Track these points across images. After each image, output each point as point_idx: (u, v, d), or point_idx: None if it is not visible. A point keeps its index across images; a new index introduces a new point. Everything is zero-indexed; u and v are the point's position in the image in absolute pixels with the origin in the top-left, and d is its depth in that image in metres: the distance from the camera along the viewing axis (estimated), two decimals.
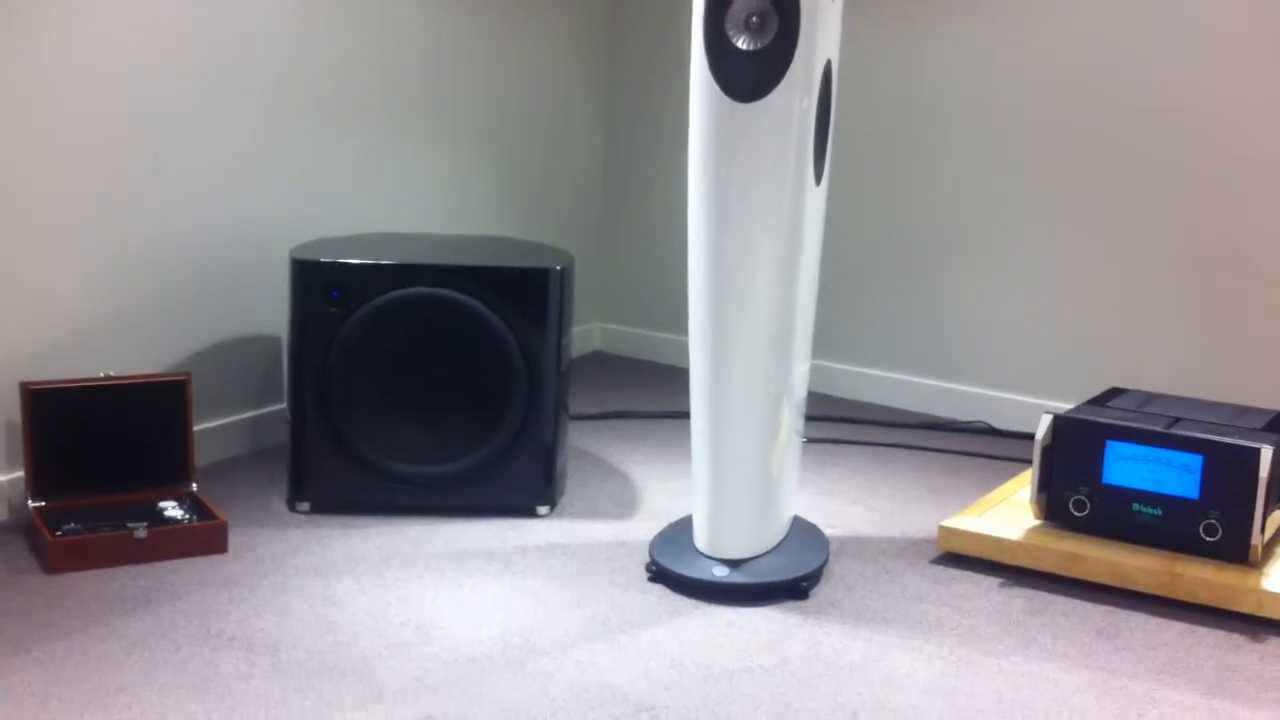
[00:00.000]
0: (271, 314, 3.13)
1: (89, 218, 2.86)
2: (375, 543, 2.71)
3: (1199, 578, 2.49)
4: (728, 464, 2.51)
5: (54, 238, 2.81)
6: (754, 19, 2.31)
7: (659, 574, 2.57)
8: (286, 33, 3.20)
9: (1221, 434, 2.58)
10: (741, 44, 2.32)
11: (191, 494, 2.79)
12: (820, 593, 2.55)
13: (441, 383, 2.81)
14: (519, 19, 3.86)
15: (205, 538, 2.62)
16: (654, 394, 3.84)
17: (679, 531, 2.67)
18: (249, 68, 3.12)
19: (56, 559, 2.50)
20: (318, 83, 3.29)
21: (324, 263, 2.80)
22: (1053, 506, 2.68)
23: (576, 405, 3.35)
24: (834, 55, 2.45)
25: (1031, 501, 2.70)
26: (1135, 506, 2.61)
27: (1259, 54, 3.24)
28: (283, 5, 3.18)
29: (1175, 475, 2.56)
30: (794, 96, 2.33)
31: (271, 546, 2.67)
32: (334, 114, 3.34)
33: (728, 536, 2.55)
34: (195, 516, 2.70)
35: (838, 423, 3.63)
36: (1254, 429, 2.66)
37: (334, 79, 3.33)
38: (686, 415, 2.57)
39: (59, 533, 2.56)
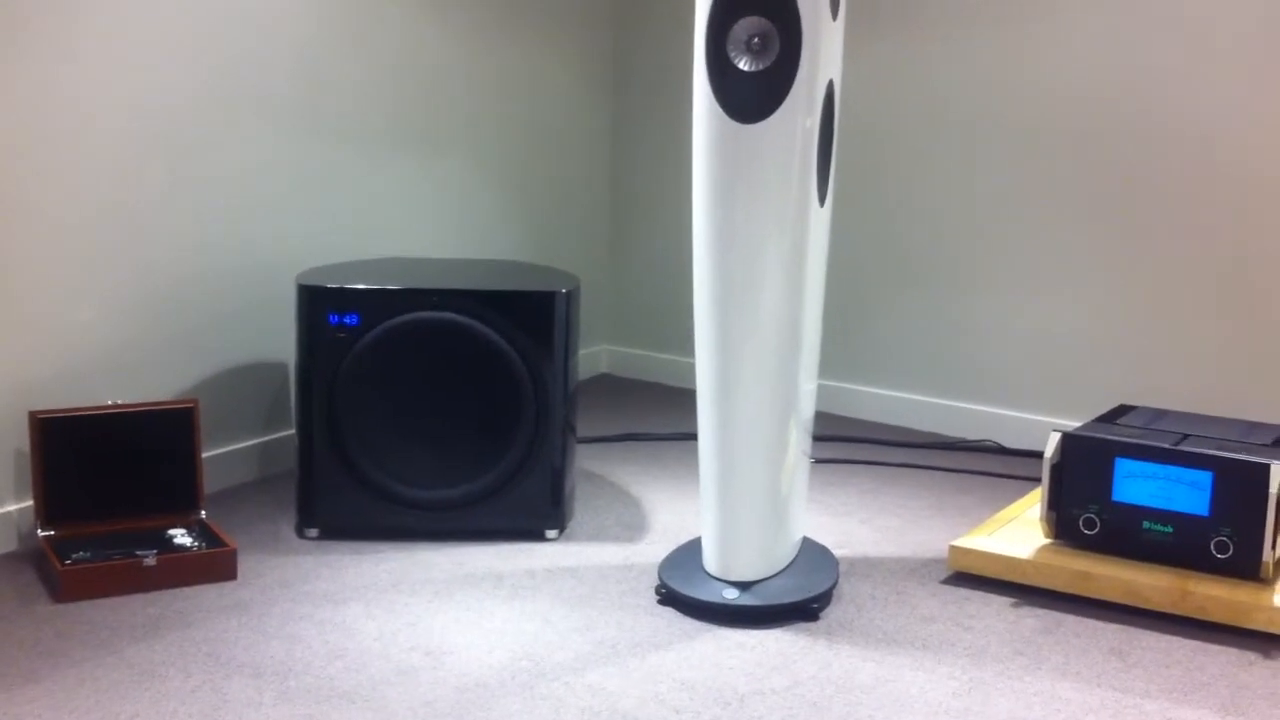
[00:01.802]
0: (279, 339, 3.13)
1: (96, 245, 2.87)
2: (384, 568, 2.71)
3: (1210, 595, 2.48)
4: (736, 485, 2.51)
5: (61, 265, 2.81)
6: (755, 40, 2.32)
7: (668, 597, 2.57)
8: (295, 58, 3.21)
9: (1231, 450, 2.57)
10: (743, 65, 2.33)
11: (200, 521, 2.79)
12: (831, 614, 2.54)
13: (449, 407, 2.81)
14: (526, 44, 3.87)
15: (214, 565, 2.62)
16: (662, 416, 3.84)
17: (688, 554, 2.66)
18: (257, 93, 3.13)
19: (66, 587, 2.51)
20: (325, 108, 3.30)
21: (331, 288, 2.80)
22: (1063, 525, 2.67)
23: (584, 428, 3.35)
24: (836, 75, 2.46)
25: (1041, 520, 2.69)
26: (1145, 524, 2.60)
27: (1274, 61, 3.23)
28: (292, 30, 3.19)
29: (1185, 492, 2.55)
30: (796, 117, 2.33)
31: (280, 573, 2.67)
32: (342, 138, 3.35)
33: (737, 558, 2.54)
34: (204, 544, 2.70)
35: (846, 443, 3.62)
36: (1264, 445, 2.65)
37: (342, 105, 3.34)
38: (695, 437, 2.56)
39: (68, 561, 2.56)
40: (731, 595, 2.50)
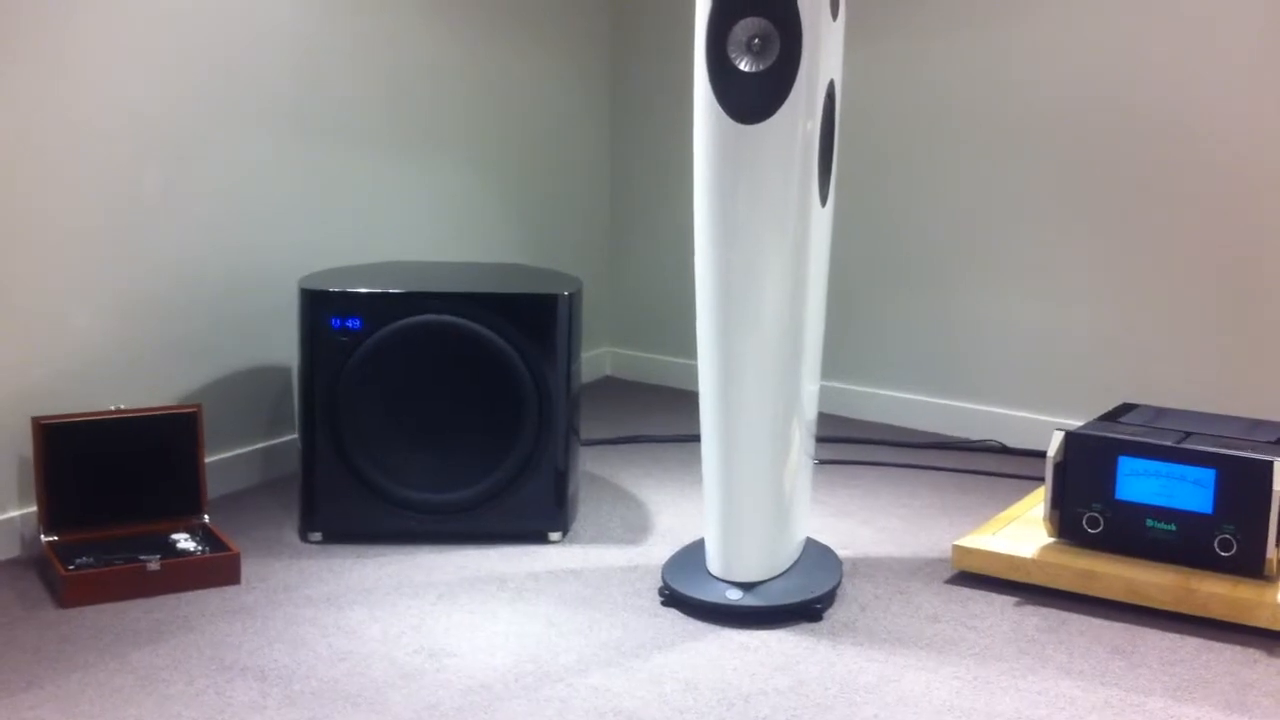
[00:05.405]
0: (282, 343, 3.14)
1: (98, 250, 2.87)
2: (387, 571, 2.71)
3: (1214, 593, 2.48)
4: (739, 487, 2.51)
5: (63, 271, 2.82)
6: (756, 41, 2.32)
7: (672, 598, 2.57)
8: (293, 62, 3.21)
9: (1234, 448, 2.57)
10: (744, 66, 2.33)
11: (203, 525, 2.79)
12: (834, 614, 2.54)
13: (452, 410, 2.82)
14: (524, 46, 3.87)
15: (218, 569, 2.62)
16: (665, 418, 3.84)
17: (692, 555, 2.66)
18: (255, 97, 3.14)
19: (70, 593, 2.51)
20: (325, 112, 3.31)
21: (333, 292, 2.81)
22: (1066, 524, 2.67)
23: (588, 430, 3.35)
24: (837, 75, 2.46)
25: (1045, 519, 2.69)
26: (1149, 522, 2.59)
27: (1274, 59, 3.23)
28: (289, 34, 3.20)
29: (1188, 490, 2.55)
30: (797, 117, 2.33)
31: (284, 577, 2.67)
32: (342, 142, 3.36)
33: (740, 559, 2.54)
34: (207, 548, 2.70)
35: (848, 444, 3.62)
36: (1267, 442, 2.64)
37: (341, 108, 3.34)
38: (698, 439, 2.56)
39: (72, 566, 2.56)
40: (735, 596, 2.50)
